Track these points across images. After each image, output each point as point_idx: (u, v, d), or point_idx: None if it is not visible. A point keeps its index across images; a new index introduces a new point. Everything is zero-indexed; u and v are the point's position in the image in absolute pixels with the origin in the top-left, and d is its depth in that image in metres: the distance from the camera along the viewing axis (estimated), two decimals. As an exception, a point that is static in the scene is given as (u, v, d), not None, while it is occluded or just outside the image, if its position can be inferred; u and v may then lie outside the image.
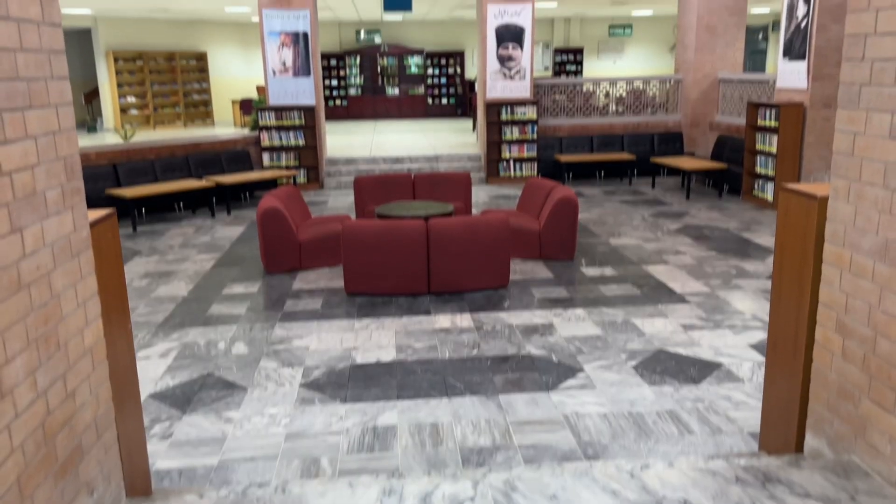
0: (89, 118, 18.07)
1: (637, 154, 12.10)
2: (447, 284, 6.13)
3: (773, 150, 9.23)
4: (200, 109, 19.49)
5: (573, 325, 5.33)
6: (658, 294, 6.03)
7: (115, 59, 17.52)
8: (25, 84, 2.09)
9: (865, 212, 2.46)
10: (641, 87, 12.73)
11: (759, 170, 9.67)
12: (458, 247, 6.10)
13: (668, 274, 6.62)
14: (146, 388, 4.38)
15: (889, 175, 2.33)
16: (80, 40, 18.14)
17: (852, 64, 2.50)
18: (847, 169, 2.55)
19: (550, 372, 4.48)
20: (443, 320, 5.49)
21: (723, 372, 4.43)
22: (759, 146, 9.61)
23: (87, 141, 14.93)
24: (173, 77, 18.78)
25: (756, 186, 9.79)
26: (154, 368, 4.69)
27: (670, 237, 8.07)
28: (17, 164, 2.00)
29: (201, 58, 19.33)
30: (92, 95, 18.58)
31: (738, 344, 4.89)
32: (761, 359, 4.60)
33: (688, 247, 7.62)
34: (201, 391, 4.33)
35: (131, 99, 18.02)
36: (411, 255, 6.03)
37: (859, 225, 2.49)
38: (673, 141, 12.33)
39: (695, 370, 4.47)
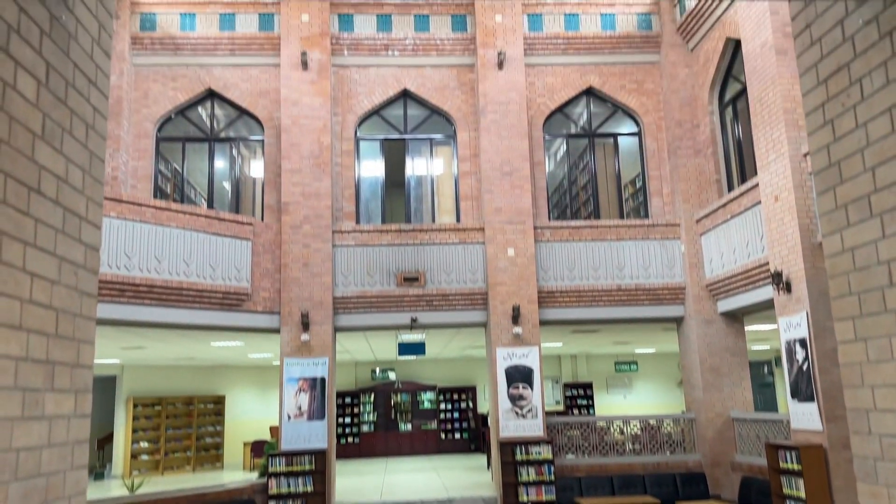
0: (98, 464, 17.87)
1: (661, 496, 11.56)
2: None
3: (802, 494, 8.83)
4: (211, 453, 19.32)
5: None
6: None
7: (135, 405, 17.93)
8: (45, 479, 2.12)
9: None
10: (655, 424, 12.70)
11: (792, 514, 9.14)
12: None
13: None
14: None
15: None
16: (103, 387, 18.78)
17: (861, 437, 2.53)
18: (885, 550, 2.41)
19: None
20: None
21: None
22: (786, 490, 9.21)
23: (93, 490, 14.55)
24: (189, 421, 18.99)
25: (793, 533, 9.15)
26: None
27: None
28: (16, 570, 1.93)
29: (219, 401, 19.77)
30: (106, 441, 18.62)
31: None
32: None
33: None
34: None
35: (144, 444, 18.01)
36: None
37: None
38: (696, 482, 11.86)
39: None
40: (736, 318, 12.32)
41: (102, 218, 2.54)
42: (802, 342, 9.14)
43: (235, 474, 16.79)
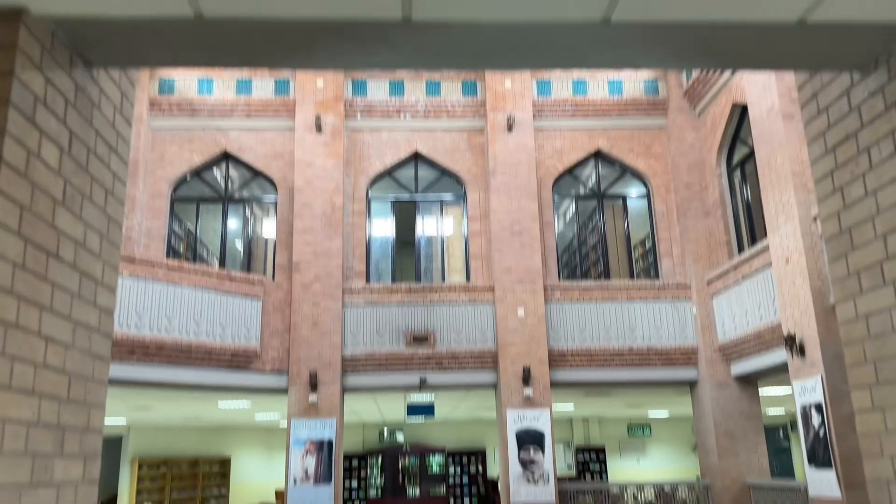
0: (100, 527, 17.51)
1: (677, 567, 11.19)
2: None
3: (825, 565, 8.52)
4: (215, 516, 18.94)
5: None
6: None
7: (140, 466, 17.67)
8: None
9: None
10: (669, 491, 12.36)
11: (814, 588, 8.79)
12: None
13: None
14: None
15: None
16: (108, 448, 18.55)
17: (884, 511, 2.46)
18: None
19: None
20: None
21: None
22: (808, 560, 8.90)
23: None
24: (194, 483, 18.67)
25: None
26: None
27: None
28: None
29: (224, 463, 19.46)
30: (109, 503, 18.27)
31: None
32: None
33: None
34: None
35: (147, 507, 17.68)
36: None
37: None
38: (713, 551, 11.48)
39: None
40: (750, 381, 12.12)
41: (118, 281, 2.56)
42: (818, 407, 8.96)
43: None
